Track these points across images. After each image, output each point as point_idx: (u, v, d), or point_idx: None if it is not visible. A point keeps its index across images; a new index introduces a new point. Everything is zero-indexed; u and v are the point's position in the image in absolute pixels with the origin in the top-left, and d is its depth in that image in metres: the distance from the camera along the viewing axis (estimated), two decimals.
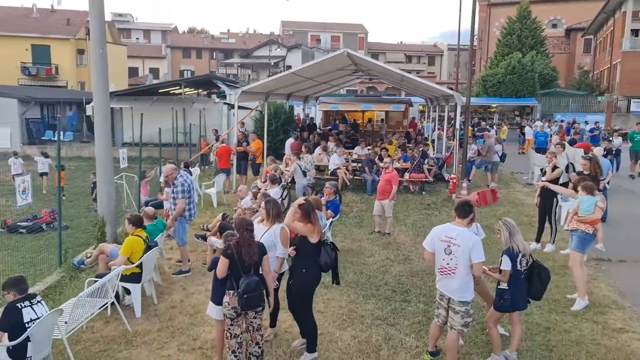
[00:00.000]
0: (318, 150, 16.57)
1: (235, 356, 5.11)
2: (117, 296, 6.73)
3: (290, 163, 13.59)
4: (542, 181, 9.65)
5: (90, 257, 8.43)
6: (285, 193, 12.02)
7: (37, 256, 9.51)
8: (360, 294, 7.47)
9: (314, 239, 5.46)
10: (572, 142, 18.07)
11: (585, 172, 9.15)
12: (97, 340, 6.14)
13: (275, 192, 10.26)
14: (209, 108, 24.77)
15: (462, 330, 5.24)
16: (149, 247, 7.15)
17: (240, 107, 16.99)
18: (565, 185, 9.76)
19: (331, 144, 17.50)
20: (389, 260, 9.08)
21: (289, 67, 49.68)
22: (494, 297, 5.60)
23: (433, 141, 22.10)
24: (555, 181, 9.52)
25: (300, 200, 5.58)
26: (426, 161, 15.69)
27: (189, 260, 8.61)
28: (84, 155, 24.35)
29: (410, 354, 5.76)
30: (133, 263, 6.87)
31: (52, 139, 25.52)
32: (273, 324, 6.18)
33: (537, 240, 9.86)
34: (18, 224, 11.57)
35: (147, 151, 17.55)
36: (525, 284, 5.43)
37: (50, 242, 10.11)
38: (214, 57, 70.67)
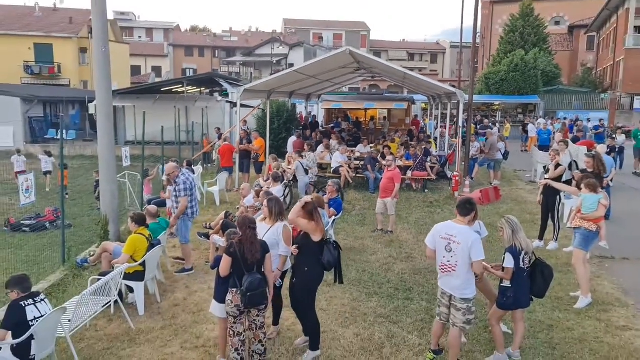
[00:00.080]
0: (320, 148, 16.57)
1: (239, 354, 5.12)
2: (120, 294, 6.75)
3: (292, 161, 13.59)
4: (545, 179, 9.63)
5: (93, 255, 8.46)
6: (287, 191, 12.03)
7: (41, 254, 9.54)
8: (363, 292, 7.48)
9: (316, 237, 5.46)
10: (575, 140, 18.02)
11: (589, 170, 9.12)
12: (101, 338, 6.16)
13: (277, 190, 10.26)
14: (212, 106, 24.80)
15: (464, 328, 5.24)
16: (152, 246, 7.16)
17: (242, 106, 16.99)
18: (568, 182, 9.73)
19: (334, 142, 17.49)
20: (391, 258, 9.08)
21: (291, 65, 49.62)
22: (497, 295, 5.60)
23: (436, 139, 22.10)
24: (558, 179, 9.50)
25: (307, 198, 5.55)
26: (429, 159, 15.67)
27: (183, 260, 8.63)
28: (87, 153, 24.40)
29: (413, 352, 5.76)
30: (136, 261, 6.89)
31: (55, 137, 25.60)
32: (276, 321, 6.19)
33: (540, 238, 9.85)
34: (21, 222, 11.61)
35: (150, 150, 17.58)
36: (528, 282, 5.42)
37: (53, 241, 10.14)
38: (217, 56, 70.68)
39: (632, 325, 6.47)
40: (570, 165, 10.69)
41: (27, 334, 4.72)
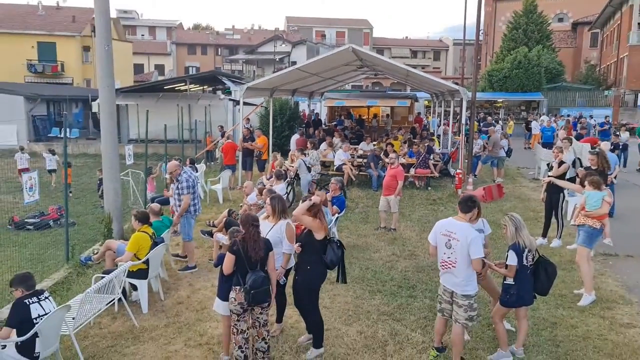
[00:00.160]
0: (323, 145, 16.57)
1: (242, 351, 5.13)
2: (124, 292, 6.77)
3: (295, 159, 13.60)
4: (549, 176, 9.61)
5: (97, 253, 8.48)
6: (290, 189, 12.04)
7: (45, 252, 9.56)
8: (366, 290, 7.48)
9: (319, 236, 5.46)
10: (579, 137, 17.98)
11: (593, 167, 9.10)
12: (105, 336, 6.18)
13: (280, 188, 10.27)
14: (215, 104, 24.81)
15: (466, 324, 5.23)
16: (155, 244, 7.17)
17: (245, 104, 17.00)
18: (572, 180, 9.71)
19: (336, 140, 17.48)
20: (394, 255, 9.07)
21: (294, 63, 49.62)
22: (500, 292, 5.59)
23: (439, 136, 22.06)
24: (561, 176, 9.48)
25: (317, 199, 5.53)
26: (432, 156, 15.65)
27: (185, 257, 8.65)
28: (90, 152, 24.44)
29: (417, 350, 5.76)
30: (140, 259, 6.90)
31: (59, 136, 25.66)
32: (279, 319, 6.19)
33: (544, 235, 9.83)
34: (25, 220, 11.64)
35: (153, 148, 17.63)
36: (532, 279, 5.41)
37: (57, 239, 10.17)
38: (219, 54, 70.70)
39: (636, 323, 6.46)
40: (574, 163, 10.67)
41: (32, 332, 4.74)
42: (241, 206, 10.68)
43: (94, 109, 24.74)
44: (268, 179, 11.79)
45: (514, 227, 5.36)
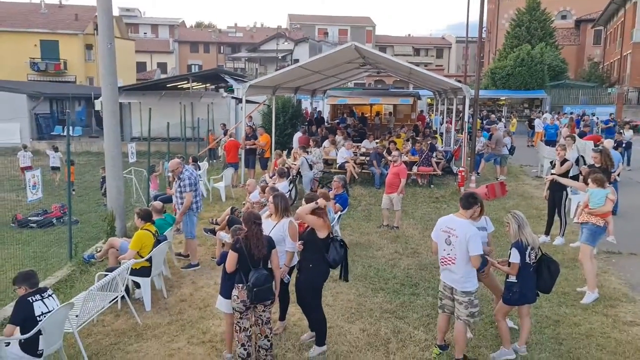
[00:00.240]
0: (326, 143, 16.56)
1: (245, 349, 5.14)
2: (127, 290, 6.79)
3: (297, 157, 13.59)
4: (551, 174, 9.58)
5: (100, 251, 8.49)
6: (292, 186, 12.04)
7: (48, 250, 9.60)
8: (368, 288, 7.48)
9: (322, 234, 5.46)
10: (582, 135, 17.93)
11: (596, 165, 9.08)
12: (108, 333, 6.19)
13: (283, 186, 10.26)
14: (217, 102, 24.81)
15: (468, 321, 5.23)
16: (158, 241, 7.19)
17: (248, 101, 16.99)
18: (575, 178, 9.68)
19: (339, 138, 17.47)
20: (397, 253, 9.07)
21: (297, 60, 49.60)
22: (503, 290, 5.58)
23: (441, 134, 22.03)
24: (564, 174, 9.45)
25: (322, 203, 5.53)
26: (434, 154, 15.63)
27: (188, 256, 8.66)
28: (93, 150, 24.49)
29: (419, 347, 5.76)
30: (143, 257, 6.91)
31: (62, 134, 25.68)
32: (282, 317, 6.20)
33: (547, 233, 9.81)
34: (29, 218, 11.68)
35: (156, 146, 17.62)
36: (534, 277, 5.41)
37: (60, 237, 10.20)
38: (222, 52, 70.68)
39: (639, 321, 6.44)
40: (577, 160, 10.64)
41: (35, 329, 4.75)
42: (244, 204, 10.68)
43: (97, 107, 24.77)
44: (271, 177, 11.80)
45: (517, 225, 5.35)
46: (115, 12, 43.24)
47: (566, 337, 5.99)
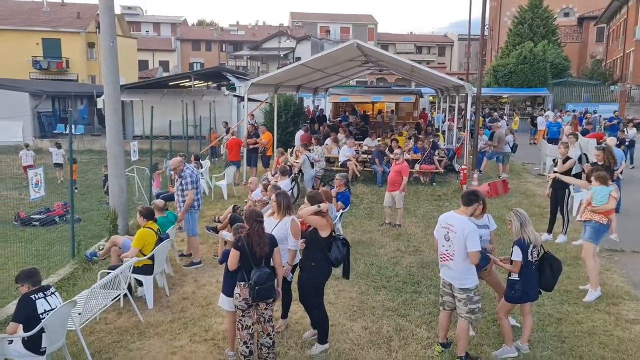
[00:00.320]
0: (328, 141, 16.55)
1: (247, 347, 5.14)
2: (129, 288, 6.79)
3: (299, 155, 13.59)
4: (554, 172, 9.57)
5: (102, 249, 8.51)
6: (294, 184, 12.05)
7: (50, 248, 9.61)
8: (371, 286, 7.48)
9: (325, 233, 5.45)
10: (585, 132, 17.89)
11: (599, 163, 9.05)
12: (111, 331, 6.21)
13: (285, 184, 10.27)
14: (219, 100, 24.80)
15: (469, 318, 5.23)
16: (160, 239, 7.20)
17: (250, 99, 16.99)
18: (578, 175, 9.66)
19: (341, 136, 17.46)
20: (399, 251, 9.07)
21: (299, 58, 49.51)
22: (505, 288, 5.58)
23: (444, 132, 22.00)
24: (567, 172, 9.43)
25: (325, 207, 5.52)
26: (437, 152, 15.62)
27: (190, 255, 8.67)
28: (95, 148, 24.52)
29: (421, 345, 5.76)
30: (145, 255, 6.92)
31: (64, 132, 25.74)
32: (285, 315, 6.20)
33: (549, 231, 9.80)
34: (31, 216, 11.69)
35: (158, 144, 17.65)
36: (537, 275, 5.40)
37: (63, 235, 10.21)
38: (224, 50, 70.63)
39: None
40: (580, 158, 10.61)
41: (38, 327, 4.76)
42: (246, 202, 10.69)
43: (99, 105, 24.74)
44: (273, 175, 11.80)
45: (519, 223, 5.35)
46: (117, 10, 43.34)
47: (569, 335, 5.99)
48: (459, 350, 5.33)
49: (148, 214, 7.31)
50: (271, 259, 5.22)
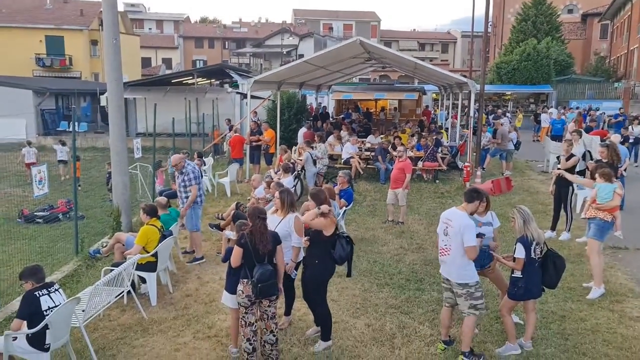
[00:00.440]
0: (331, 138, 16.54)
1: (250, 344, 5.15)
2: (133, 285, 6.81)
3: (302, 152, 13.59)
4: (558, 169, 9.54)
5: (106, 246, 8.53)
6: (297, 181, 12.05)
7: (54, 245, 9.64)
8: (374, 283, 7.48)
9: (329, 232, 5.45)
10: (588, 129, 17.83)
11: (603, 160, 9.02)
12: (114, 328, 6.22)
13: (288, 181, 10.27)
14: (222, 98, 24.81)
15: (471, 314, 5.23)
16: (163, 237, 7.21)
17: (252, 97, 16.98)
18: (582, 173, 9.63)
19: (344, 133, 17.45)
20: (402, 249, 9.07)
21: (301, 55, 49.46)
22: (508, 285, 5.57)
23: (447, 129, 21.97)
24: (571, 169, 9.41)
25: (325, 208, 5.52)
26: (440, 149, 15.59)
27: (193, 252, 8.69)
28: (99, 145, 24.54)
29: (424, 342, 5.76)
30: (148, 252, 6.94)
31: (67, 129, 25.78)
32: (288, 312, 6.21)
33: (553, 228, 9.77)
34: (35, 213, 11.72)
35: (161, 141, 17.66)
36: (540, 272, 5.39)
37: (66, 232, 10.25)
38: (226, 47, 70.60)
39: None
40: (584, 156, 10.58)
41: (42, 324, 4.77)
42: (249, 199, 10.70)
43: (102, 103, 24.83)
44: (276, 173, 11.80)
45: (522, 220, 5.34)
46: (120, 8, 43.45)
47: (572, 333, 5.98)
48: (463, 346, 5.32)
49: (151, 212, 7.32)
50: (274, 257, 5.22)
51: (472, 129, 16.02)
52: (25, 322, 4.87)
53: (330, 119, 23.58)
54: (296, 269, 5.94)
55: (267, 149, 15.93)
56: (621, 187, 7.46)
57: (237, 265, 5.12)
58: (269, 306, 5.18)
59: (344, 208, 9.36)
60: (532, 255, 5.30)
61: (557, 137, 19.45)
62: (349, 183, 9.83)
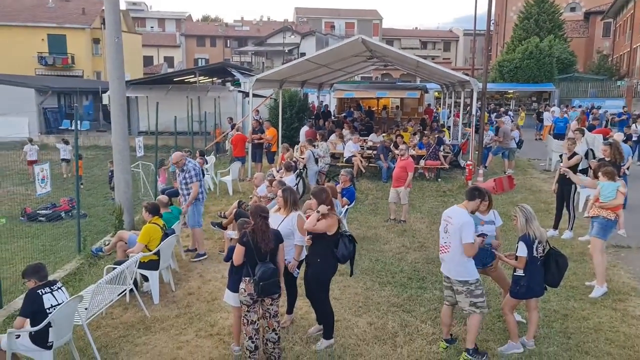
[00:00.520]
0: (333, 137, 16.54)
1: (252, 342, 5.15)
2: (135, 283, 6.82)
3: (304, 150, 13.59)
4: (561, 167, 9.51)
5: (108, 244, 8.55)
6: (299, 180, 12.05)
7: (57, 244, 9.66)
8: (376, 281, 7.48)
9: (332, 231, 5.44)
10: (591, 128, 17.77)
11: (606, 159, 9.00)
12: (117, 326, 6.23)
13: (290, 179, 10.27)
14: (224, 96, 24.81)
15: (472, 312, 5.23)
16: (166, 235, 7.22)
17: (254, 95, 16.98)
18: (584, 171, 9.60)
19: (346, 132, 17.44)
20: (404, 247, 9.06)
21: (303, 54, 49.42)
22: (510, 283, 5.57)
23: (449, 128, 21.94)
24: (574, 168, 9.39)
25: (324, 208, 5.52)
26: (442, 148, 15.57)
27: (195, 249, 8.70)
28: (101, 144, 24.58)
29: (427, 341, 5.76)
30: (151, 250, 6.95)
31: (70, 128, 25.80)
32: (290, 310, 6.21)
33: (555, 227, 9.76)
34: (38, 212, 11.75)
35: (163, 140, 17.65)
36: (542, 271, 5.38)
37: (69, 230, 10.27)
38: (228, 45, 70.64)
39: None
40: (586, 154, 10.55)
41: (45, 322, 4.79)
42: (251, 198, 10.70)
43: (104, 101, 24.85)
44: (278, 171, 11.80)
45: (524, 218, 5.33)
46: (122, 6, 43.51)
47: (574, 331, 5.97)
48: (467, 343, 5.32)
49: (154, 210, 7.33)
50: (276, 255, 5.22)
51: (474, 128, 16.00)
52: (28, 320, 4.88)
53: (332, 118, 23.57)
54: (299, 267, 5.94)
55: (269, 147, 15.94)
56: (624, 185, 7.45)
57: (239, 263, 5.12)
58: (271, 304, 5.18)
59: (346, 206, 9.36)
60: (535, 253, 5.30)
61: (559, 135, 19.40)
62: (351, 181, 9.84)
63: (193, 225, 8.69)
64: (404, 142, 13.44)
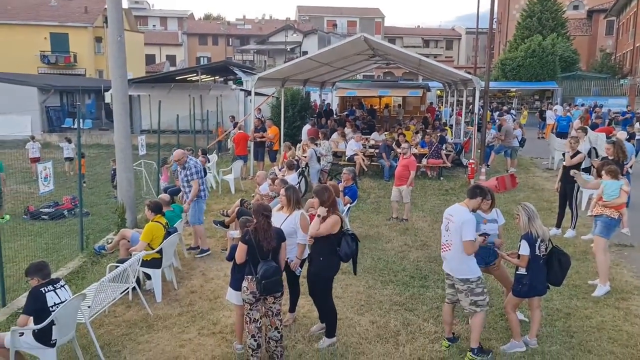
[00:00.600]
0: (335, 135, 16.53)
1: (255, 340, 5.16)
2: (138, 281, 6.83)
3: (307, 149, 13.58)
4: (564, 166, 9.49)
5: (111, 242, 8.56)
6: (301, 178, 12.06)
7: (60, 242, 9.67)
8: (378, 280, 7.48)
9: (334, 230, 5.43)
10: (594, 126, 17.73)
11: (609, 157, 8.98)
12: (119, 324, 6.25)
13: (292, 178, 10.27)
14: (226, 95, 24.82)
15: (472, 310, 5.22)
16: (168, 233, 7.23)
17: (256, 94, 16.98)
18: (587, 170, 9.57)
19: (348, 130, 17.43)
20: (406, 246, 9.06)
21: (305, 52, 49.43)
22: (513, 282, 5.56)
23: (451, 126, 21.91)
24: (576, 167, 9.36)
25: (324, 211, 5.51)
26: (444, 146, 15.55)
27: (198, 248, 8.71)
28: (103, 142, 24.60)
29: (429, 339, 5.76)
30: (153, 249, 6.95)
31: (72, 126, 25.85)
32: (292, 309, 6.21)
33: (558, 225, 9.74)
34: (40, 210, 11.77)
35: (165, 138, 17.66)
36: (545, 269, 5.38)
37: (71, 228, 10.28)
38: (230, 44, 70.65)
39: None
40: (589, 153, 10.52)
41: (48, 320, 4.80)
42: (253, 196, 10.71)
43: (107, 100, 24.85)
44: (280, 170, 11.80)
45: (527, 217, 5.33)
46: (125, 5, 43.28)
47: (577, 330, 5.96)
48: (472, 342, 5.32)
49: (156, 208, 7.34)
50: (279, 254, 5.22)
51: (476, 126, 15.97)
52: (31, 318, 4.89)
53: (334, 116, 23.54)
54: (301, 265, 5.94)
55: (271, 146, 15.93)
56: (627, 184, 7.43)
57: (241, 261, 5.12)
58: (273, 303, 5.18)
59: (348, 205, 9.36)
60: (537, 252, 5.29)
61: (562, 134, 19.37)
62: (353, 180, 9.83)
63: (194, 222, 8.70)
64: (406, 141, 13.42)
